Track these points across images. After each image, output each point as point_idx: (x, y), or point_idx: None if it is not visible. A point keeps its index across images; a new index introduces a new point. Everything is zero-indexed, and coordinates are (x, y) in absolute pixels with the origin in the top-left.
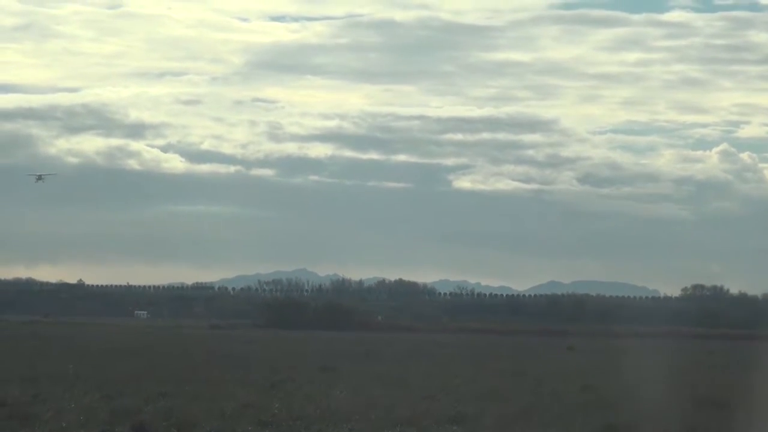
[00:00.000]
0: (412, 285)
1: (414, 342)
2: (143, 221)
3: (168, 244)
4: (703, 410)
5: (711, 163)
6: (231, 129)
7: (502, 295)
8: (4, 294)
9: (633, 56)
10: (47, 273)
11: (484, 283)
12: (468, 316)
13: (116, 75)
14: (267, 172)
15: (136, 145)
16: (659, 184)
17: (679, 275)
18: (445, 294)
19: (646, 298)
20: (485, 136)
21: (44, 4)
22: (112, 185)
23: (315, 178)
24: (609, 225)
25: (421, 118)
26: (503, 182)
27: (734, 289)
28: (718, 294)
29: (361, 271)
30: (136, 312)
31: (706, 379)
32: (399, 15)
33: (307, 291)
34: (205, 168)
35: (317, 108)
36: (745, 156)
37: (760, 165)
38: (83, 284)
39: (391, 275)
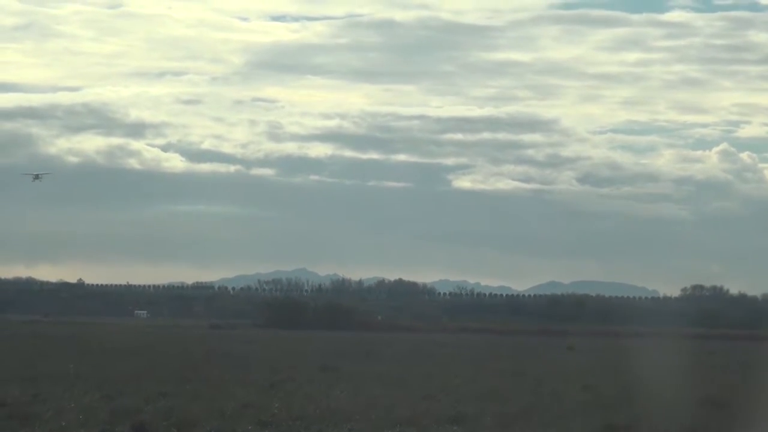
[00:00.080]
0: (412, 285)
1: (414, 342)
2: (143, 221)
3: (168, 243)
4: (703, 410)
5: (711, 163)
6: (231, 129)
7: (501, 295)
8: (4, 293)
9: (633, 56)
10: (47, 272)
11: (483, 283)
12: (468, 316)
13: (116, 74)
14: (267, 172)
15: (136, 144)
16: (659, 184)
17: (678, 275)
18: (444, 294)
19: (646, 298)
20: (485, 135)
21: (44, 3)
22: (113, 185)
23: (315, 177)
24: (609, 225)
25: (421, 117)
26: (503, 182)
27: (734, 290)
28: (717, 294)
29: (361, 271)
30: (136, 311)
31: (706, 379)
32: (399, 15)
33: (307, 291)
34: (205, 167)
35: (317, 108)
36: (745, 156)
37: (760, 165)
38: (83, 284)
39: (391, 275)
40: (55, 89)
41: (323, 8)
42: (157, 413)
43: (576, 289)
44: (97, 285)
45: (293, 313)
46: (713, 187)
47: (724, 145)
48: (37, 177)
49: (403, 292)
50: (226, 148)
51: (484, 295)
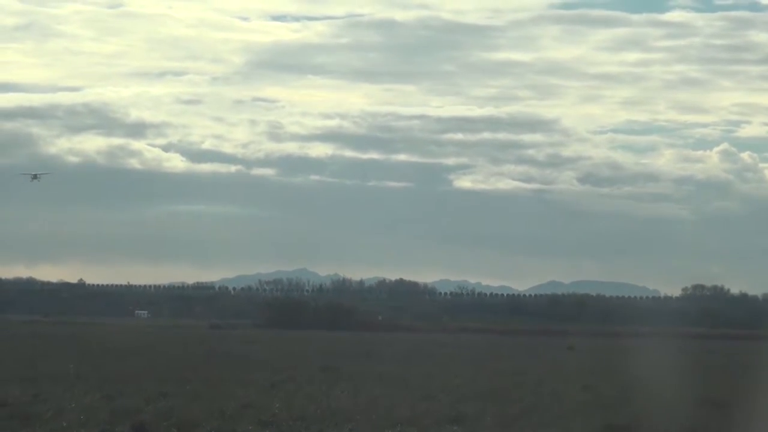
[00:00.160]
0: (413, 285)
1: (414, 342)
2: (144, 221)
3: (169, 243)
4: (703, 410)
5: (711, 162)
6: (232, 128)
7: (502, 294)
8: (4, 293)
9: (633, 56)
10: (48, 272)
11: (484, 282)
12: (468, 315)
13: (117, 74)
14: (268, 172)
15: (136, 144)
16: (659, 184)
17: (679, 275)
18: (445, 294)
19: (647, 298)
20: (486, 135)
21: (45, 3)
22: (113, 185)
23: (316, 177)
24: (609, 225)
25: (421, 117)
26: (504, 182)
27: (734, 289)
28: (718, 294)
29: (361, 271)
30: (136, 312)
31: (706, 379)
32: (399, 15)
33: (307, 291)
34: (205, 167)
35: (318, 107)
36: (745, 156)
37: (761, 165)
38: (84, 284)
39: (392, 275)
40: (55, 89)
41: (324, 8)
42: (157, 413)
43: (576, 289)
44: (97, 285)
45: (294, 313)
46: (714, 187)
47: (724, 145)
48: (35, 177)
49: (404, 292)
50: (227, 148)
51: (485, 295)
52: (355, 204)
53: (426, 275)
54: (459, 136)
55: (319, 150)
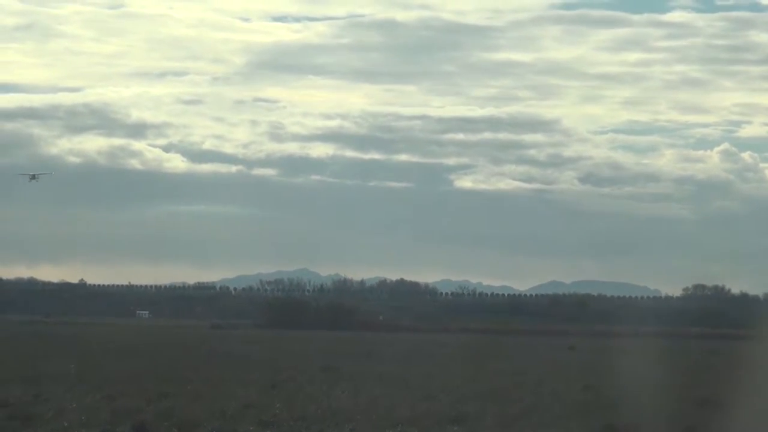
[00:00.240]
0: (414, 285)
1: (415, 342)
2: (145, 221)
3: (169, 243)
4: (704, 410)
5: (712, 162)
6: (232, 129)
7: (503, 294)
8: (5, 294)
9: (634, 56)
10: (49, 273)
11: (485, 282)
12: (469, 316)
13: (117, 75)
14: (268, 172)
15: (137, 144)
16: (660, 184)
17: (680, 275)
18: (446, 294)
19: (648, 297)
20: (487, 135)
21: (45, 4)
22: (114, 185)
23: (316, 177)
24: (610, 225)
25: (422, 117)
26: (504, 182)
27: (735, 289)
28: (719, 294)
29: (362, 271)
30: (137, 312)
31: (706, 379)
32: (400, 15)
33: (308, 291)
34: (206, 168)
35: (319, 108)
36: (746, 156)
37: (761, 165)
38: (85, 284)
39: (393, 275)
40: (56, 89)
41: (324, 8)
42: (158, 413)
43: (577, 289)
44: (98, 285)
45: (295, 313)
46: (714, 187)
47: (725, 145)
48: (33, 177)
49: (405, 292)
50: (228, 149)
51: (486, 295)
52: (356, 204)
53: (427, 275)
54: (460, 136)
55: (320, 150)
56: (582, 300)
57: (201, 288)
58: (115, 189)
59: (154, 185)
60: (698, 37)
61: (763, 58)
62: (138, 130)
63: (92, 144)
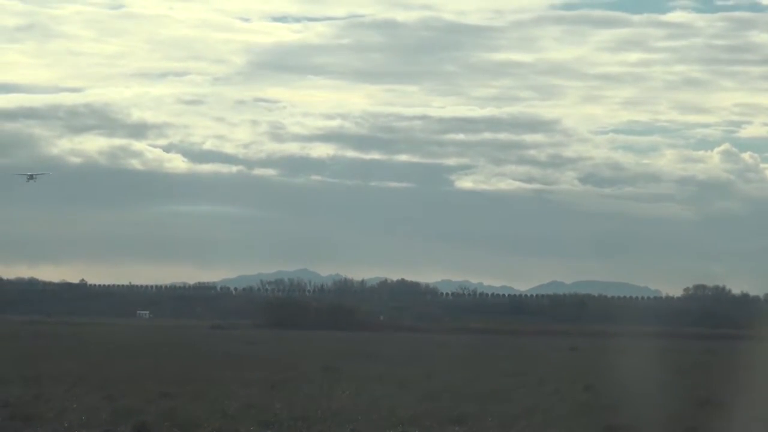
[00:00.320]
0: (414, 285)
1: (416, 342)
2: (145, 221)
3: (170, 244)
4: (704, 410)
5: (712, 163)
6: (233, 129)
7: (504, 295)
8: (6, 293)
9: (634, 56)
10: (50, 273)
11: (486, 283)
12: (470, 316)
13: (118, 75)
14: (269, 172)
15: (138, 145)
16: (661, 184)
17: (680, 275)
18: (447, 294)
19: (648, 298)
20: (487, 136)
21: (46, 4)
22: (115, 185)
23: (317, 178)
24: (611, 225)
25: (423, 118)
26: (505, 182)
27: (736, 290)
28: (719, 294)
29: (363, 271)
30: (138, 312)
31: (707, 379)
32: (401, 15)
33: (309, 291)
34: (207, 168)
35: (319, 108)
36: (746, 156)
37: (762, 165)
38: (85, 284)
39: (393, 275)
40: (56, 90)
41: (325, 9)
42: (158, 414)
43: (578, 289)
44: (99, 285)
45: (295, 313)
46: (715, 188)
47: (725, 146)
48: (31, 177)
49: (406, 292)
50: (228, 149)
51: (486, 295)
52: (356, 204)
53: (427, 275)
54: (460, 136)
55: (321, 150)
56: (582, 300)
57: (201, 288)
58: (116, 189)
59: (154, 185)
60: (698, 38)
61: (763, 58)
62: (139, 130)
63: (93, 144)
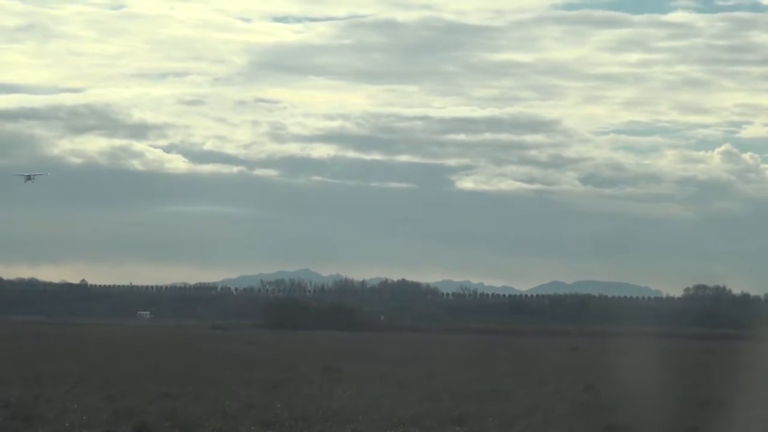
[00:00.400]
0: (415, 285)
1: (416, 342)
2: (146, 221)
3: (171, 244)
4: (705, 410)
5: (713, 163)
6: (234, 129)
7: (504, 295)
8: (7, 294)
9: (635, 57)
10: (50, 273)
11: (486, 283)
12: (471, 316)
13: (119, 75)
14: (270, 173)
15: (139, 145)
16: (661, 185)
17: (681, 275)
18: (447, 294)
19: (649, 298)
20: (488, 136)
21: (46, 4)
22: (115, 185)
23: (318, 178)
24: (611, 225)
25: (423, 118)
26: (506, 183)
27: (736, 290)
28: (720, 294)
29: (363, 272)
30: (138, 312)
31: (707, 379)
32: (402, 15)
33: (309, 291)
34: (207, 168)
35: (320, 108)
36: (747, 156)
37: (762, 165)
38: (86, 284)
39: (394, 275)
40: (57, 90)
41: (325, 9)
42: (159, 414)
43: (579, 289)
44: (100, 286)
45: (296, 313)
46: (716, 188)
47: (726, 146)
48: (29, 178)
49: (406, 292)
50: (229, 149)
51: (487, 295)
52: (357, 205)
53: (428, 276)
54: (461, 136)
55: (322, 151)
56: (583, 300)
57: (202, 288)
58: (117, 190)
59: (155, 186)
60: (699, 38)
61: (764, 58)
62: (139, 130)
63: (93, 144)
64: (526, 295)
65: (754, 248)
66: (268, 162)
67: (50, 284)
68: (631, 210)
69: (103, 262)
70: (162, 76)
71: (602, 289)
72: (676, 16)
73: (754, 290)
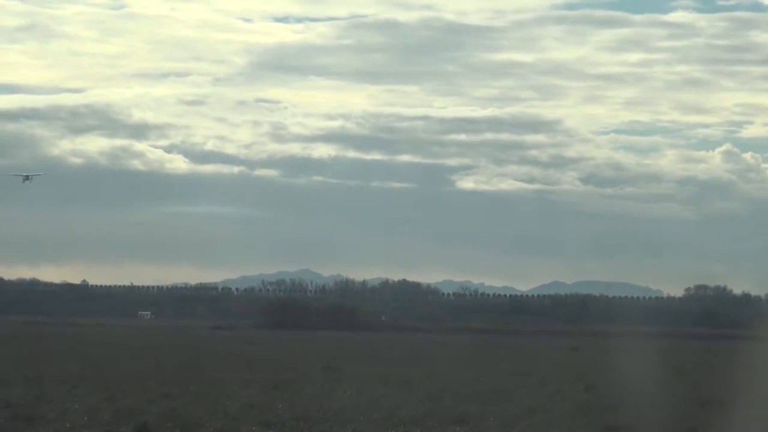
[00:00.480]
0: (416, 285)
1: (417, 342)
2: (147, 222)
3: (171, 244)
4: (705, 410)
5: (714, 163)
6: (234, 129)
7: (505, 295)
8: (7, 294)
9: (635, 57)
10: (51, 273)
11: (487, 283)
12: (471, 316)
13: (119, 75)
14: (270, 173)
15: (139, 145)
16: (662, 185)
17: (682, 275)
18: (448, 294)
19: (649, 298)
20: (488, 136)
21: (47, 4)
22: (116, 186)
23: (318, 178)
24: (612, 225)
25: (424, 118)
26: (506, 182)
27: (737, 290)
28: (721, 294)
29: (364, 272)
30: (139, 312)
31: (708, 379)
32: (402, 16)
33: (310, 291)
34: (208, 168)
35: (321, 108)
36: (747, 156)
37: (763, 165)
38: (87, 285)
39: (395, 276)
40: (58, 90)
41: (326, 9)
42: (160, 414)
43: (579, 289)
44: (100, 286)
45: (297, 313)
46: (716, 188)
47: (727, 146)
48: (27, 178)
49: (407, 292)
50: (230, 149)
51: (488, 295)
52: (358, 205)
53: (429, 276)
54: (462, 136)
55: (322, 151)
56: (584, 300)
57: (203, 288)
58: (117, 190)
59: (156, 186)
60: (700, 38)
61: (764, 58)
62: (140, 130)
63: (94, 145)
64: (527, 295)
65: (754, 248)
66: (269, 162)
67: (51, 284)
68: (632, 210)
69: (104, 262)
70: (163, 76)
71: (603, 289)
72: (677, 16)
73: (755, 290)
